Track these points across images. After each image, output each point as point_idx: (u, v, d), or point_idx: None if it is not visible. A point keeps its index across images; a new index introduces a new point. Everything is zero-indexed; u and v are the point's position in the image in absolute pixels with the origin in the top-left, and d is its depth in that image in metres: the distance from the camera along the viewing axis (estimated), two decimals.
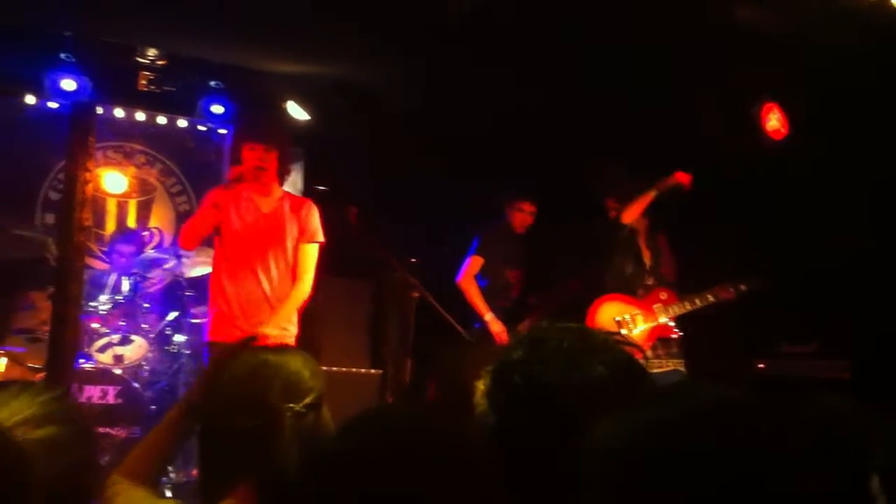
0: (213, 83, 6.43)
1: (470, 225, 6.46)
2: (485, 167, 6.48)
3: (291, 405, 1.99)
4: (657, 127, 5.77)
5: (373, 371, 6.27)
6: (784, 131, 5.45)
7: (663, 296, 5.52)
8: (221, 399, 2.07)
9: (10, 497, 1.24)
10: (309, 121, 6.47)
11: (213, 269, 4.77)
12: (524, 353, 1.59)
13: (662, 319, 5.46)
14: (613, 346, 1.61)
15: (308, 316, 4.90)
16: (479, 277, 6.24)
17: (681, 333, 5.49)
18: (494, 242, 6.31)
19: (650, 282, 5.61)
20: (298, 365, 2.13)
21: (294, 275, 4.72)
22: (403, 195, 6.79)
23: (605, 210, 5.75)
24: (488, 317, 6.04)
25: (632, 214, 5.53)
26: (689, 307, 5.47)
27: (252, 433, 1.93)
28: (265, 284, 4.61)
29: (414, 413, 1.36)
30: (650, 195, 5.50)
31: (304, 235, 4.76)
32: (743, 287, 5.43)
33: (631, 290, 5.58)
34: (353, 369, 6.14)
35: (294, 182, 7.07)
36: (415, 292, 5.39)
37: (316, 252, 4.79)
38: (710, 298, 5.45)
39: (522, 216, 6.34)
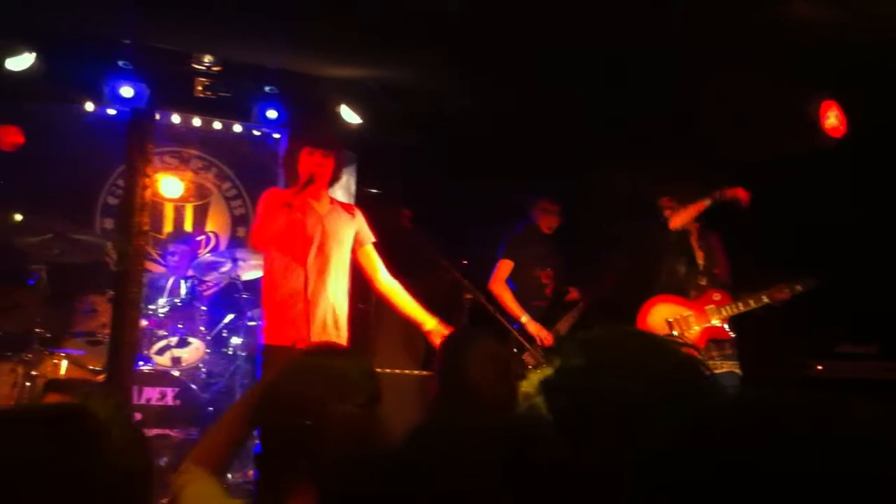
0: (267, 88, 6.50)
1: (498, 228, 6.50)
2: (535, 168, 6.48)
3: (341, 405, 2.01)
4: (710, 124, 5.72)
5: (425, 373, 6.29)
6: (843, 129, 5.37)
7: (716, 297, 5.45)
8: (272, 399, 2.11)
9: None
10: (361, 124, 6.51)
11: (268, 271, 4.71)
12: (585, 358, 1.58)
13: (715, 321, 5.39)
14: (675, 349, 1.60)
15: (362, 319, 4.94)
16: (511, 280, 6.24)
17: (733, 335, 5.42)
18: (522, 244, 6.32)
19: (703, 282, 5.54)
20: (348, 366, 2.15)
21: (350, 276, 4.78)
22: (455, 197, 6.79)
23: (656, 209, 5.69)
24: (524, 318, 6.04)
25: (680, 220, 5.48)
26: (742, 308, 5.40)
27: (301, 432, 1.96)
28: (327, 287, 4.64)
29: (478, 418, 1.38)
30: (704, 203, 5.44)
31: (363, 239, 4.83)
32: (798, 288, 5.34)
33: (683, 291, 5.51)
34: (405, 371, 6.17)
35: (347, 185, 7.13)
36: (467, 294, 5.39)
37: None
38: (765, 299, 5.37)
39: (548, 216, 6.35)
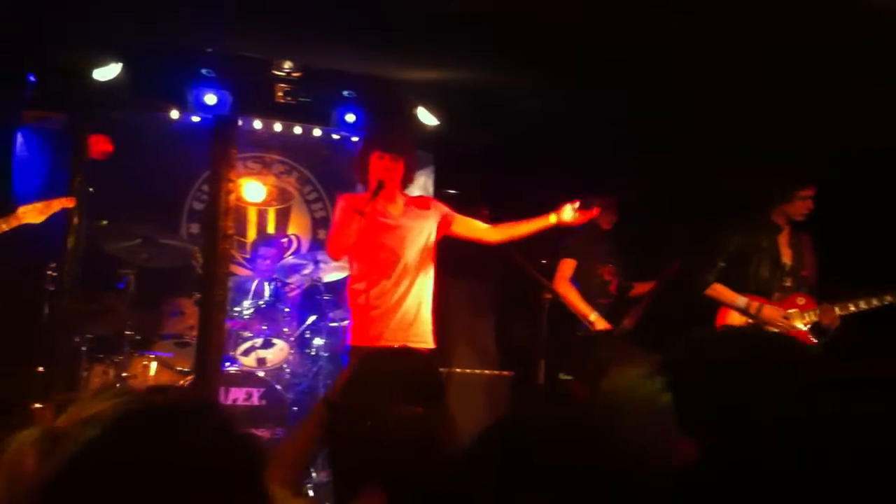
0: (345, 93, 6.57)
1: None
2: (612, 163, 6.44)
3: (399, 407, 2.02)
4: (803, 125, 5.59)
5: (505, 373, 6.29)
6: None
7: (800, 301, 5.23)
8: (337, 403, 2.14)
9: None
10: (438, 125, 6.54)
11: (353, 274, 4.82)
12: (703, 354, 1.60)
13: (798, 325, 5.21)
14: (798, 347, 1.61)
15: (438, 318, 4.95)
16: (575, 280, 6.14)
17: (816, 341, 5.20)
18: (582, 242, 6.19)
19: (788, 283, 5.30)
20: (404, 367, 2.17)
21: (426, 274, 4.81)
22: (533, 195, 6.76)
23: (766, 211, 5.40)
24: (593, 317, 5.92)
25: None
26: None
27: (363, 435, 1.98)
28: (408, 289, 4.68)
29: (555, 418, 1.38)
30: (735, 301, 5.26)
31: (450, 218, 4.90)
32: (889, 298, 5.14)
33: (766, 292, 5.27)
34: (486, 371, 6.18)
35: (425, 186, 7.17)
36: (547, 293, 5.36)
37: None
38: (852, 308, 5.17)
39: (607, 212, 6.21)
